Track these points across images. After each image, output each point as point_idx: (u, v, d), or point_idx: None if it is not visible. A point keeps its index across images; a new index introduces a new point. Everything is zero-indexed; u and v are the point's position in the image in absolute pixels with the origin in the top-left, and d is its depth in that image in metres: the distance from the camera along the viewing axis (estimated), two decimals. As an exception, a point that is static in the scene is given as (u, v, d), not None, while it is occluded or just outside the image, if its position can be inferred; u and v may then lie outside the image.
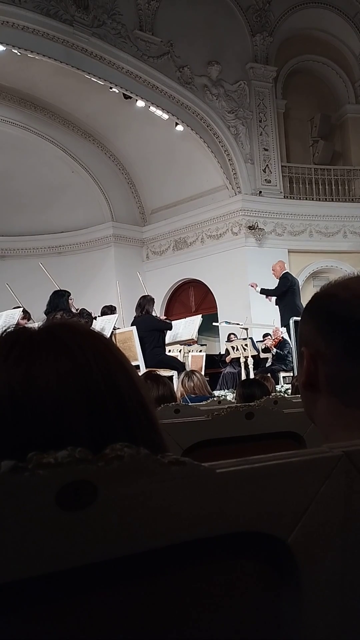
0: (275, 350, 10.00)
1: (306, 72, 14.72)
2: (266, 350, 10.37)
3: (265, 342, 10.35)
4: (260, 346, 10.45)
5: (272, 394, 3.40)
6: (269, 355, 10.33)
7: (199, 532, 0.50)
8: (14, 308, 8.06)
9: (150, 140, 13.59)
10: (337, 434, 0.89)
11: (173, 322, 9.12)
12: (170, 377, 6.74)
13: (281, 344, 9.91)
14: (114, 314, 8.52)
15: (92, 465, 0.45)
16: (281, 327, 9.61)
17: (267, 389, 3.60)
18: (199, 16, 12.79)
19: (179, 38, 12.62)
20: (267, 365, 10.18)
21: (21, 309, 7.88)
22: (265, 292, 9.67)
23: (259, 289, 9.70)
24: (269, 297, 9.77)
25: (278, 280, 9.70)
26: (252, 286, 9.91)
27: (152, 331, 7.60)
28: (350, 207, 14.32)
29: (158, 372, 3.42)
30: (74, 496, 0.44)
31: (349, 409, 0.90)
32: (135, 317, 7.92)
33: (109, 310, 8.88)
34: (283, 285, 9.43)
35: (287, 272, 9.63)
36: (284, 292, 9.38)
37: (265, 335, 10.39)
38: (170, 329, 8.15)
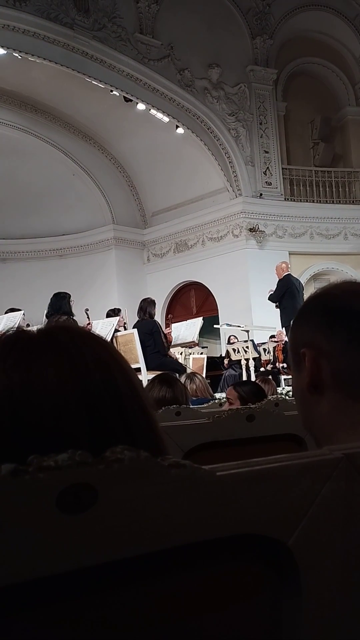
0: (283, 361, 9.98)
1: (306, 74, 14.73)
2: (275, 361, 10.34)
3: (267, 343, 10.34)
4: (263, 347, 10.43)
5: (273, 395, 3.40)
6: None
7: (200, 535, 0.50)
8: (15, 311, 8.03)
9: (151, 143, 13.60)
10: (341, 433, 0.89)
11: (174, 325, 9.11)
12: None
13: (285, 346, 9.92)
14: (117, 316, 8.47)
15: (92, 468, 0.45)
16: (281, 328, 9.61)
17: (264, 391, 3.59)
18: (199, 19, 12.81)
19: (180, 41, 12.65)
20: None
21: (22, 312, 7.86)
22: (270, 298, 9.63)
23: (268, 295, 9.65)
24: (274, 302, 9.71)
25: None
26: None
27: (153, 334, 7.57)
28: (351, 209, 14.32)
29: (173, 375, 3.43)
30: (75, 499, 0.44)
31: (356, 402, 0.90)
32: (137, 321, 7.87)
33: (113, 313, 8.84)
34: (280, 290, 9.39)
35: (287, 275, 9.56)
36: (282, 295, 9.33)
37: (272, 337, 10.39)
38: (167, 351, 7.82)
